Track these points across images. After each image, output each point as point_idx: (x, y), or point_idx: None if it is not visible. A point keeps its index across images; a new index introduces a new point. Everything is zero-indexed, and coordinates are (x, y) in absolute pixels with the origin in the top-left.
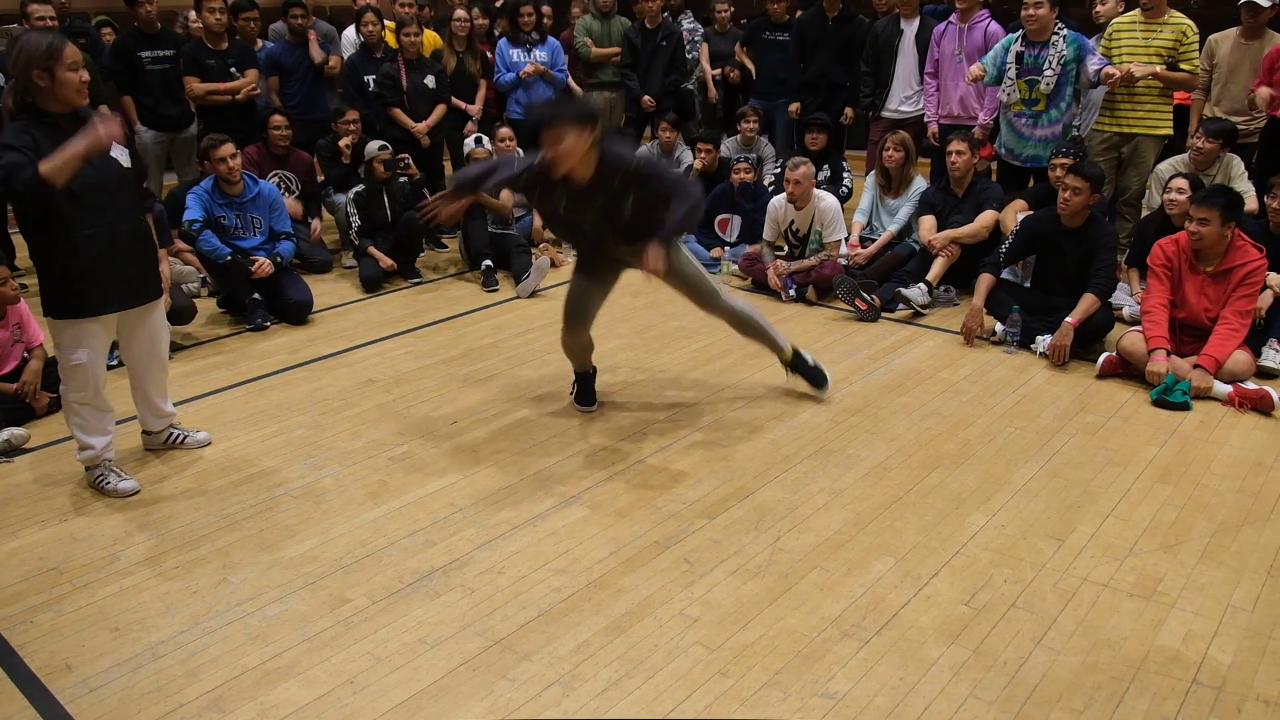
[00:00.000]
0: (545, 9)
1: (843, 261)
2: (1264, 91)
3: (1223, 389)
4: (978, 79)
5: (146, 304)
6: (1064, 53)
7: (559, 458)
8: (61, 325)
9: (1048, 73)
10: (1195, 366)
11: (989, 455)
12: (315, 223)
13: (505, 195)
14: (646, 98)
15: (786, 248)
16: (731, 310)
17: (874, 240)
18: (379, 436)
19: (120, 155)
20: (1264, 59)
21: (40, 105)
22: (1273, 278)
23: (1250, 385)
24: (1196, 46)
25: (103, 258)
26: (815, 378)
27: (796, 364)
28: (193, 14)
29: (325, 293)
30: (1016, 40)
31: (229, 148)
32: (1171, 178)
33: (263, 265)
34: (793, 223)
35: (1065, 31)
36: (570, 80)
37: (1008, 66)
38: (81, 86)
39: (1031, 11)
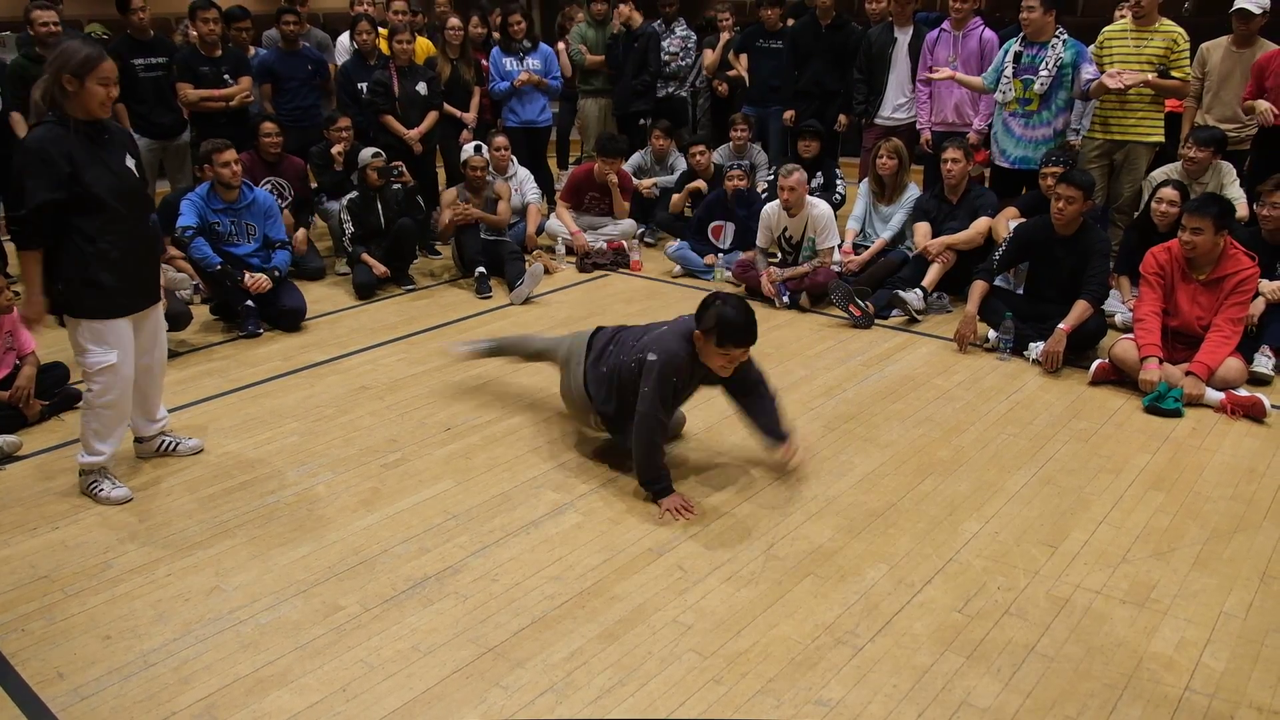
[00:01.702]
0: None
1: (836, 269)
2: (1263, 104)
3: (1215, 396)
4: (932, 78)
5: (152, 306)
6: (1061, 56)
7: (552, 465)
8: (87, 328)
9: (1043, 73)
10: (1187, 374)
11: (982, 462)
12: (300, 233)
13: (503, 208)
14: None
15: (780, 255)
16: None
17: (867, 247)
18: (372, 443)
19: (132, 165)
20: (1253, 66)
21: (62, 108)
22: (1265, 285)
23: (1242, 392)
24: (1187, 54)
25: (124, 261)
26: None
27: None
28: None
29: (319, 299)
30: (1017, 40)
31: (230, 154)
32: (1160, 185)
33: (259, 281)
34: (786, 229)
35: (1066, 36)
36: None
37: (1005, 65)
38: (107, 101)
39: (1025, 15)
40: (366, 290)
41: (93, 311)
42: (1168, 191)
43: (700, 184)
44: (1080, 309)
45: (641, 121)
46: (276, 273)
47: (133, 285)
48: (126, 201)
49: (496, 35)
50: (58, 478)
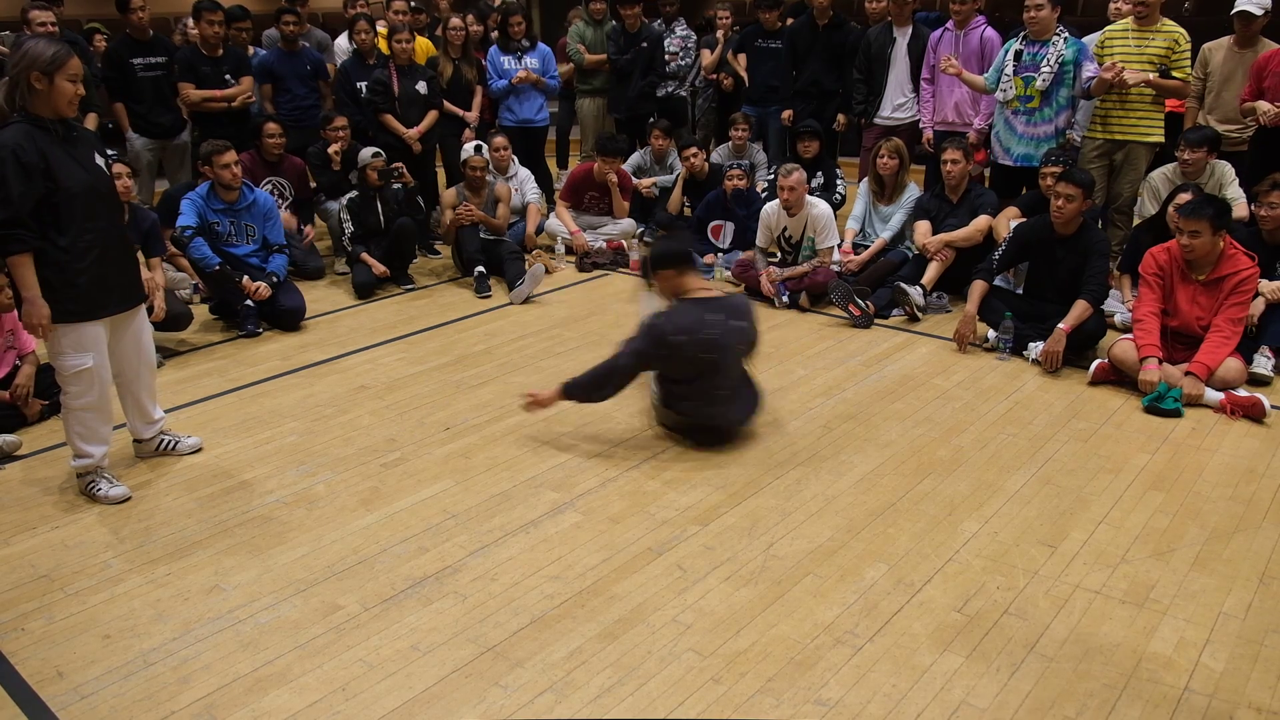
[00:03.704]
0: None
1: (835, 268)
2: (1264, 105)
3: (1214, 396)
4: (947, 71)
5: (134, 308)
6: (1063, 53)
7: (552, 464)
8: (62, 332)
9: (1044, 70)
10: (1187, 374)
11: (981, 462)
12: (309, 229)
13: (503, 211)
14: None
15: (779, 254)
16: None
17: (867, 247)
18: (371, 443)
19: (102, 164)
20: (1252, 66)
21: (30, 108)
22: (1264, 285)
23: (1242, 392)
24: (1188, 55)
25: (100, 262)
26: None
27: None
28: (190, 21)
29: (318, 299)
30: (1018, 39)
31: (231, 155)
32: (1179, 189)
33: (260, 289)
34: (785, 229)
35: (1066, 35)
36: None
37: (1006, 64)
38: (74, 99)
39: (1034, 14)
40: (366, 290)
41: (69, 315)
42: (1186, 197)
43: (685, 170)
44: (1080, 309)
45: (651, 120)
46: (275, 278)
47: (110, 286)
48: (102, 200)
49: (495, 35)
50: (57, 477)
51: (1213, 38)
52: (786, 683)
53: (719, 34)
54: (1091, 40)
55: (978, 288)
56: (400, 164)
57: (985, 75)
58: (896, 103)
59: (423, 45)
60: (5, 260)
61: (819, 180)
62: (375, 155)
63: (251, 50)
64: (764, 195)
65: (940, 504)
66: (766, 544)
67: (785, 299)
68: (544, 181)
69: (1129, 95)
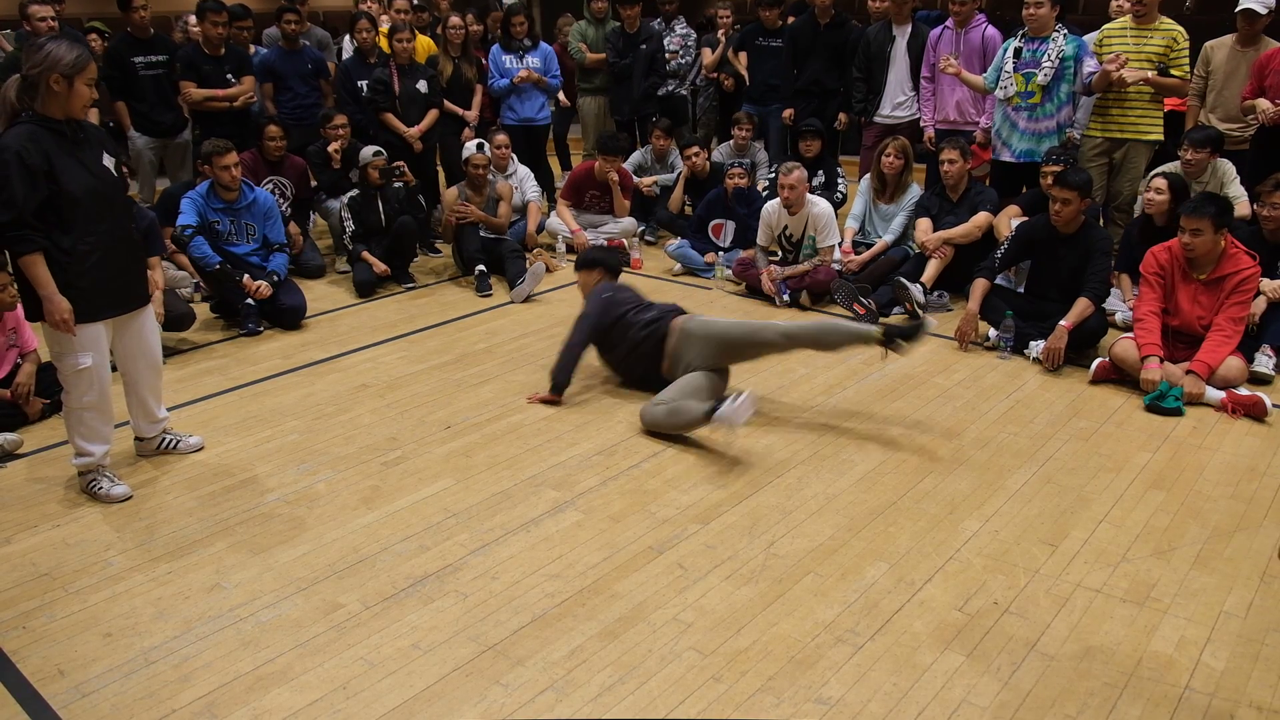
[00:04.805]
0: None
1: (836, 267)
2: (1264, 103)
3: (1215, 395)
4: (946, 71)
5: (138, 309)
6: (1063, 49)
7: (552, 463)
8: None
9: (1045, 65)
10: (1188, 373)
11: (982, 461)
12: (296, 235)
13: (504, 210)
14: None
15: (780, 253)
16: (794, 334)
17: (867, 246)
18: (372, 441)
19: (110, 165)
20: (1254, 65)
21: (40, 108)
22: (1266, 284)
23: (1243, 391)
24: (1187, 53)
25: (102, 264)
26: (911, 331)
27: (890, 335)
28: (192, 19)
29: (319, 298)
30: (1017, 37)
31: (232, 157)
32: (1152, 177)
33: (261, 288)
34: (786, 228)
35: (1066, 31)
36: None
37: (1005, 61)
38: (89, 102)
39: (1032, 11)
40: (367, 288)
41: (75, 316)
42: (1157, 181)
43: (687, 169)
44: (1081, 306)
45: (652, 119)
46: (275, 277)
47: (112, 288)
48: (105, 202)
49: (497, 33)
50: (58, 475)
51: (1213, 36)
52: (787, 681)
53: (720, 33)
54: (1090, 38)
55: (979, 286)
56: (402, 163)
57: (984, 75)
58: (896, 101)
59: (423, 44)
60: (17, 261)
61: (820, 179)
62: (376, 154)
63: (252, 49)
64: (765, 194)
65: (941, 503)
66: (767, 543)
67: (786, 298)
68: (545, 180)
69: (1128, 93)
